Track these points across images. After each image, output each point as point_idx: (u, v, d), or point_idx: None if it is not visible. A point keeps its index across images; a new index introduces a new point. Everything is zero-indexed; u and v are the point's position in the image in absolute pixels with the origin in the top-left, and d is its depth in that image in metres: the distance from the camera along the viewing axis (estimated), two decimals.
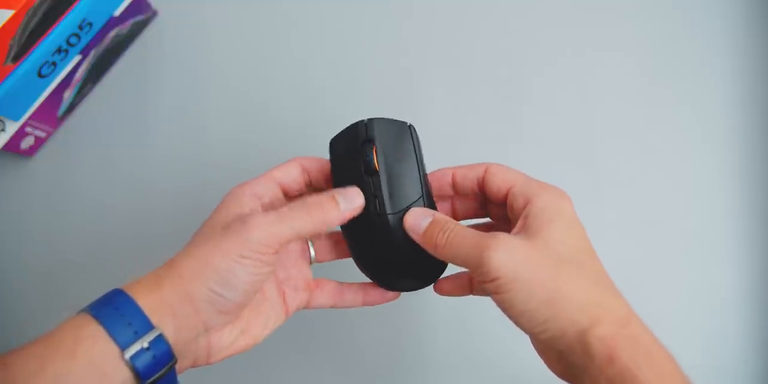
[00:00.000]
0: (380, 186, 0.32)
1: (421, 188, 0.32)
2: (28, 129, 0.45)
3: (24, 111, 0.44)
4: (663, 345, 0.27)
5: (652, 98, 0.51)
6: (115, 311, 0.27)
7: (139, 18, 0.49)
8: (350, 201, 0.31)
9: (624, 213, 0.49)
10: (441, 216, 0.31)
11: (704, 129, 0.51)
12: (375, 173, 0.32)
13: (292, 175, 0.34)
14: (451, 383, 0.45)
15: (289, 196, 0.35)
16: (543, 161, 0.49)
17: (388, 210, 0.32)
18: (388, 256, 0.33)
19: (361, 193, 0.32)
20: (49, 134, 0.48)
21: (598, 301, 0.27)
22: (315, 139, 0.49)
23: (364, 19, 0.52)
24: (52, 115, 0.47)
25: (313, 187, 0.36)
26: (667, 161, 0.50)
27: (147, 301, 0.28)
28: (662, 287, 0.47)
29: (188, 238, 0.46)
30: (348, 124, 0.35)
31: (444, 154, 0.49)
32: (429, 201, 0.33)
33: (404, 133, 0.34)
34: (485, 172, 0.33)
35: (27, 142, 0.46)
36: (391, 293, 0.36)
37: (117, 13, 0.46)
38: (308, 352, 0.45)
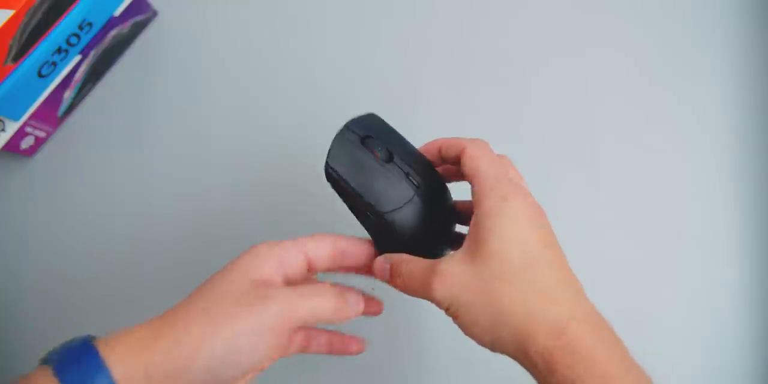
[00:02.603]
0: (403, 165, 0.32)
1: (424, 161, 0.34)
2: (28, 129, 0.45)
3: (24, 111, 0.44)
4: (610, 342, 0.27)
5: (652, 98, 0.51)
6: (82, 376, 0.23)
7: (139, 18, 0.49)
8: (359, 303, 0.30)
9: (624, 213, 0.49)
10: (396, 259, 0.31)
11: (704, 129, 0.51)
12: (391, 159, 0.32)
13: (324, 252, 0.30)
14: (451, 383, 0.45)
15: (310, 272, 0.31)
16: (543, 161, 0.49)
17: (417, 185, 0.32)
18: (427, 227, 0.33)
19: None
20: (49, 134, 0.48)
21: (533, 313, 0.26)
22: (314, 139, 0.49)
23: (364, 20, 0.52)
24: (52, 115, 0.47)
25: (337, 269, 0.32)
26: (668, 161, 0.50)
27: (124, 369, 0.24)
28: (662, 287, 0.47)
29: (188, 239, 0.47)
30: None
31: None
32: (428, 169, 0.34)
33: (378, 121, 0.35)
34: (462, 153, 0.32)
35: (27, 142, 0.46)
36: (354, 348, 0.35)
37: (117, 13, 0.46)
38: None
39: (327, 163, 0.33)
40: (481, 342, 0.28)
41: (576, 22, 0.52)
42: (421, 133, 0.49)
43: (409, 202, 0.31)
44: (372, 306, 0.33)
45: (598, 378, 0.25)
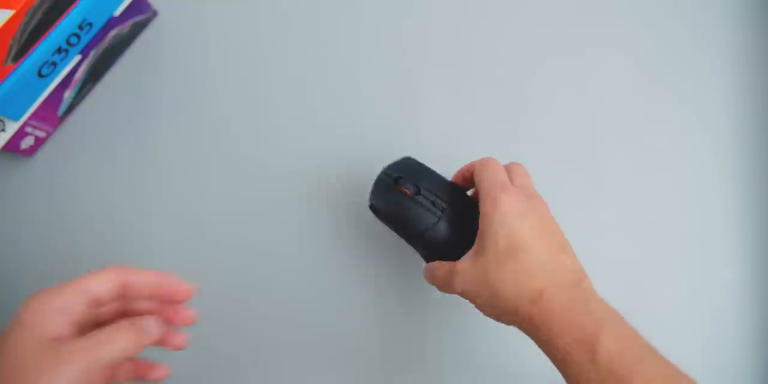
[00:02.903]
0: (429, 195, 0.40)
1: (448, 190, 0.41)
2: (28, 129, 0.45)
3: (24, 111, 0.44)
4: (582, 301, 0.32)
5: (652, 98, 0.51)
6: None
7: (139, 18, 0.49)
8: (156, 326, 0.31)
9: (624, 213, 0.49)
10: (430, 267, 0.39)
11: (704, 129, 0.51)
12: (419, 193, 0.40)
13: (106, 288, 0.31)
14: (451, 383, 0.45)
15: (97, 312, 0.32)
16: (543, 161, 0.49)
17: (442, 209, 0.40)
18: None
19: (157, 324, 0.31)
20: (49, 134, 0.48)
21: (520, 291, 0.33)
22: (314, 139, 0.49)
23: (363, 20, 0.52)
24: (52, 115, 0.47)
25: (128, 301, 0.33)
26: (668, 161, 0.50)
27: None
28: (662, 287, 0.47)
29: (189, 239, 0.47)
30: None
31: (444, 154, 0.49)
32: (456, 193, 0.41)
33: (410, 161, 0.43)
34: (473, 173, 0.39)
35: (27, 142, 0.46)
36: (157, 375, 0.35)
37: (117, 13, 0.46)
38: (307, 352, 0.45)
39: (370, 203, 0.42)
40: (493, 318, 0.35)
41: (576, 22, 0.52)
42: (420, 132, 0.49)
43: (436, 223, 0.39)
44: (172, 338, 0.34)
45: (573, 330, 0.31)
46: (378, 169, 0.42)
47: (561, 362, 0.31)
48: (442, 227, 0.39)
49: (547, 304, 0.32)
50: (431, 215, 0.39)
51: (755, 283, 0.48)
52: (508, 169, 0.39)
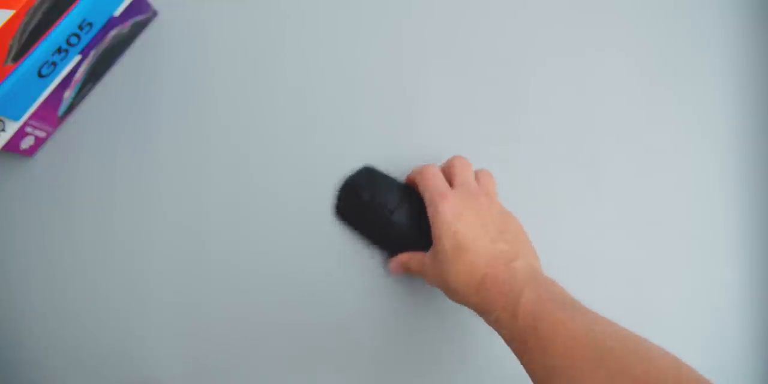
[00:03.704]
0: (380, 198, 0.45)
1: (398, 194, 0.45)
2: (28, 129, 0.45)
3: (24, 111, 0.44)
4: (510, 278, 0.37)
5: (652, 98, 0.51)
6: None
7: (139, 18, 0.49)
8: None
9: (624, 213, 0.49)
10: (403, 258, 0.44)
11: (704, 129, 0.51)
12: (372, 197, 0.45)
13: None
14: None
15: None
16: (543, 161, 0.49)
17: (395, 206, 0.45)
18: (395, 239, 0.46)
19: None
20: (49, 134, 0.48)
21: (466, 280, 0.38)
22: (314, 138, 0.49)
23: (363, 20, 0.52)
24: (52, 115, 0.47)
25: None
26: (668, 161, 0.50)
27: None
28: (662, 287, 0.47)
29: (189, 239, 0.47)
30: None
31: (445, 154, 0.49)
32: (408, 191, 0.46)
33: (368, 171, 0.47)
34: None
35: (27, 142, 0.46)
36: None
37: (117, 13, 0.46)
38: (307, 352, 0.45)
39: (334, 211, 0.47)
40: (449, 297, 0.40)
41: (576, 22, 0.52)
42: (421, 133, 0.49)
43: (390, 219, 0.44)
44: None
45: (500, 302, 0.36)
46: (383, 164, 0.44)
47: (503, 336, 0.36)
48: (397, 222, 0.44)
49: (485, 289, 0.37)
50: (386, 213, 0.44)
51: (755, 283, 0.48)
52: (447, 167, 0.43)
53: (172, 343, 0.45)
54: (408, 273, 0.45)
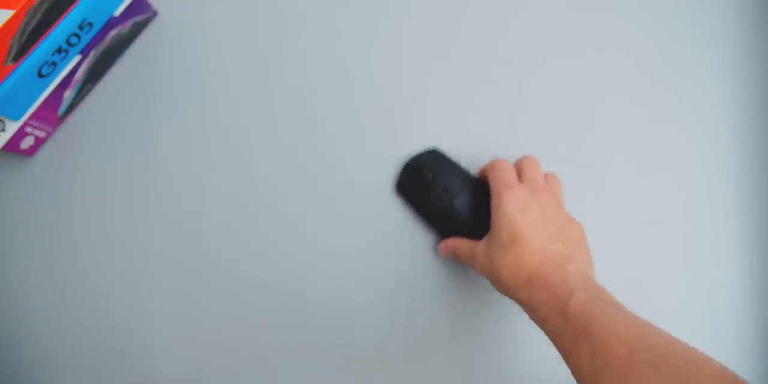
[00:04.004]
0: (444, 182, 0.46)
1: (463, 178, 0.46)
2: (28, 129, 0.45)
3: (24, 111, 0.44)
4: (561, 276, 0.37)
5: (652, 98, 0.51)
6: None
7: (139, 18, 0.49)
8: None
9: (624, 213, 0.49)
10: (452, 243, 0.45)
11: (704, 129, 0.51)
12: (436, 179, 0.46)
13: None
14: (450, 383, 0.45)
15: None
16: (544, 161, 0.49)
17: (458, 191, 0.45)
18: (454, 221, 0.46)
19: None
20: (49, 134, 0.48)
21: (516, 275, 0.38)
22: (314, 138, 0.49)
23: (363, 20, 0.52)
24: (52, 115, 0.47)
25: None
26: (668, 161, 0.50)
27: None
28: (662, 287, 0.47)
29: (190, 239, 0.47)
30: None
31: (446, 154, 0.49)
32: (472, 180, 0.46)
33: (435, 154, 0.48)
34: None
35: (27, 142, 0.46)
36: None
37: (117, 13, 0.46)
38: (307, 351, 0.45)
39: (396, 186, 0.48)
40: (498, 289, 0.40)
41: (576, 22, 0.52)
42: (421, 133, 0.49)
43: (451, 204, 0.45)
44: None
45: (550, 301, 0.36)
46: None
47: (547, 332, 0.36)
48: (458, 207, 0.44)
49: (535, 287, 0.37)
50: (449, 196, 0.45)
51: (755, 283, 0.48)
52: (518, 164, 0.44)
53: (172, 343, 0.45)
54: (455, 258, 0.45)
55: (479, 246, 0.41)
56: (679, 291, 0.47)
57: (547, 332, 0.36)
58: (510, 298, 0.39)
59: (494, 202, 0.41)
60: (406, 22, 0.52)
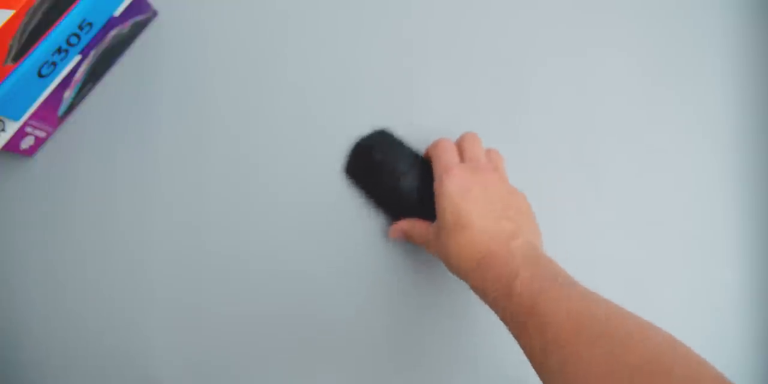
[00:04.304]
0: (392, 161, 0.45)
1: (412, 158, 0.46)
2: (28, 129, 0.45)
3: (24, 111, 0.43)
4: (509, 255, 0.37)
5: (654, 98, 0.51)
6: None
7: (139, 18, 0.49)
8: None
9: (625, 213, 0.49)
10: (403, 224, 0.45)
11: (705, 129, 0.51)
12: (385, 159, 0.45)
13: None
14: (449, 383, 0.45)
15: None
16: (544, 161, 0.49)
17: (399, 175, 0.45)
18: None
19: None
20: (49, 134, 0.48)
21: (465, 254, 0.38)
22: (314, 138, 0.49)
23: (363, 19, 0.52)
24: (52, 115, 0.46)
25: None
26: (669, 161, 0.50)
27: None
28: (662, 287, 0.47)
29: (189, 239, 0.47)
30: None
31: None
32: (420, 161, 0.46)
33: (381, 134, 0.47)
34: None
35: (27, 142, 0.46)
36: None
37: (117, 13, 0.46)
38: (307, 351, 0.45)
39: (345, 168, 0.47)
40: (447, 267, 0.40)
41: (577, 22, 0.52)
42: (421, 133, 0.49)
43: (398, 183, 0.44)
44: None
45: (497, 282, 0.35)
46: (395, 134, 0.45)
47: (498, 315, 0.36)
48: (405, 188, 0.44)
49: (484, 268, 0.37)
50: (395, 176, 0.44)
51: (755, 283, 0.48)
52: (459, 143, 0.43)
53: (173, 342, 0.45)
54: (409, 240, 0.45)
55: (431, 229, 0.41)
56: (679, 291, 0.47)
57: (499, 316, 0.36)
58: (464, 281, 0.39)
59: (436, 186, 0.40)
60: (406, 22, 0.52)
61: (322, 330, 0.46)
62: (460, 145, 0.43)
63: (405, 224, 0.44)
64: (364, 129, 0.49)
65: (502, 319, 0.36)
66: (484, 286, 0.37)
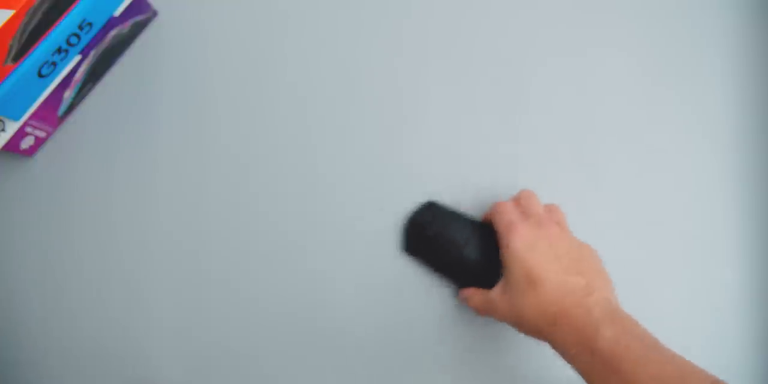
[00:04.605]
0: (450, 235, 0.45)
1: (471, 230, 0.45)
2: (28, 129, 0.45)
3: (24, 111, 0.43)
4: (585, 314, 0.36)
5: (653, 98, 0.51)
6: None
7: (139, 18, 0.49)
8: None
9: (625, 213, 0.49)
10: (467, 293, 0.44)
11: (705, 129, 0.51)
12: (442, 233, 0.45)
13: None
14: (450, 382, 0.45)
15: None
16: (544, 161, 0.49)
17: (465, 241, 0.45)
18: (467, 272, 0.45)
19: None
20: (49, 134, 0.48)
21: (538, 313, 0.38)
22: (312, 137, 0.49)
23: (363, 20, 0.52)
24: (52, 115, 0.46)
25: None
26: (669, 161, 0.50)
27: None
28: (663, 287, 0.47)
29: (189, 239, 0.47)
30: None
31: (445, 155, 0.49)
32: (477, 226, 0.46)
33: (433, 207, 0.47)
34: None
35: (27, 142, 0.46)
36: None
37: (117, 13, 0.46)
38: (307, 350, 0.45)
39: (403, 249, 0.47)
40: (527, 335, 0.39)
41: (577, 22, 0.52)
42: (421, 133, 0.49)
43: (460, 256, 0.44)
44: None
45: (577, 338, 0.35)
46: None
47: (577, 370, 0.36)
48: (468, 257, 0.44)
49: (559, 324, 0.36)
50: (455, 248, 0.44)
51: (755, 283, 0.48)
52: (517, 201, 0.43)
53: (170, 343, 0.45)
54: (470, 308, 0.44)
55: (494, 293, 0.41)
56: (679, 291, 0.47)
57: (577, 370, 0.36)
58: (537, 338, 0.39)
59: (502, 245, 0.41)
60: (407, 22, 0.52)
61: (322, 330, 0.46)
62: (518, 203, 0.43)
63: (467, 291, 0.44)
64: (365, 127, 0.49)
65: (582, 373, 0.36)
66: (561, 341, 0.36)
